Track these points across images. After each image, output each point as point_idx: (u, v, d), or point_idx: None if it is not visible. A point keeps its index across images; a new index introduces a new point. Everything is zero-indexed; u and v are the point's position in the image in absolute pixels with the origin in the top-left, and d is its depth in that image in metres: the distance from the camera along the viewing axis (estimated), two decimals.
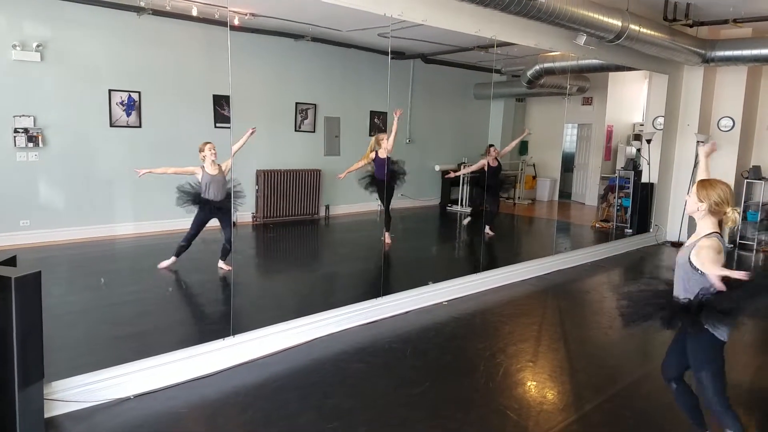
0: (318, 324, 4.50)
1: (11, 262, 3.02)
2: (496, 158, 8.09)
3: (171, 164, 5.70)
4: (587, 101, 11.53)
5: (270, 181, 8.49)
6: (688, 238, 2.93)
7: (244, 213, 8.19)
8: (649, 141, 8.76)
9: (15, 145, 6.39)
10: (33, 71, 6.43)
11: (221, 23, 6.42)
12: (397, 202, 8.63)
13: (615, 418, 3.46)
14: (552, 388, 3.87)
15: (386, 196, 7.03)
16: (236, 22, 7.04)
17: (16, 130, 6.38)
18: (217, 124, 7.79)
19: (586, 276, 7.03)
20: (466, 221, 8.97)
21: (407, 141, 10.12)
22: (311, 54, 8.73)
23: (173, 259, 5.79)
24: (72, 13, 6.61)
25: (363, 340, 4.48)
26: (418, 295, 5.36)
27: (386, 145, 6.81)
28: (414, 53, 9.39)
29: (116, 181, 7.14)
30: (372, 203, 7.50)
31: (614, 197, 9.60)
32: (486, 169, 7.94)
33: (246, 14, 7.06)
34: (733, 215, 2.72)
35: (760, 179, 8.65)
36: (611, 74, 10.61)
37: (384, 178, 6.77)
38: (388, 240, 7.20)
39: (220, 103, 7.80)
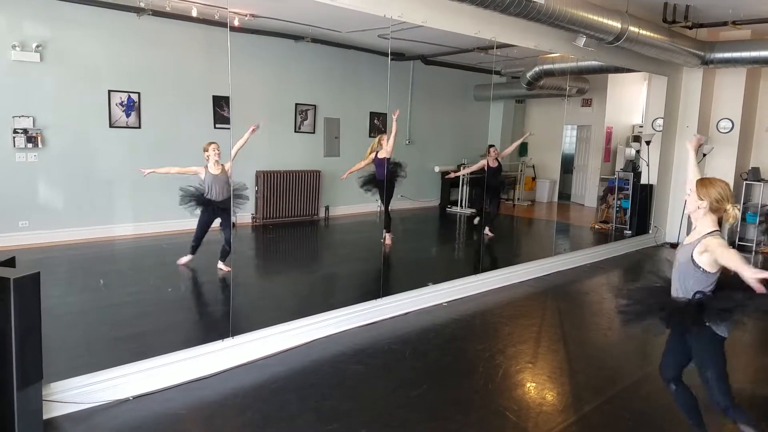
0: (317, 325, 4.50)
1: (10, 263, 3.02)
2: (496, 159, 8.09)
3: (170, 165, 5.71)
4: (587, 103, 11.55)
5: (270, 182, 8.49)
6: (685, 237, 2.94)
7: (243, 214, 8.19)
8: (648, 142, 8.76)
9: (14, 146, 6.39)
10: (32, 72, 6.42)
11: (221, 24, 6.41)
12: (397, 203, 8.64)
13: (614, 419, 3.46)
14: (551, 389, 3.86)
15: (386, 196, 7.04)
16: (236, 23, 7.04)
17: (15, 131, 6.38)
18: (217, 125, 7.78)
19: (585, 277, 7.03)
20: (476, 221, 8.83)
21: (407, 142, 10.13)
22: (311, 55, 8.73)
23: (190, 256, 5.85)
24: (71, 14, 6.61)
25: (362, 342, 4.48)
26: (417, 296, 5.36)
27: (386, 147, 6.84)
28: (414, 54, 9.40)
29: (115, 181, 7.13)
30: (372, 204, 7.51)
31: (613, 199, 9.60)
32: (486, 169, 7.95)
33: (246, 15, 7.06)
34: (734, 211, 2.75)
35: (759, 181, 8.66)
36: (610, 76, 10.63)
37: (384, 178, 6.80)
38: (388, 241, 7.21)
39: (220, 104, 7.80)
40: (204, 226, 5.72)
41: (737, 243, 8.63)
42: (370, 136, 9.75)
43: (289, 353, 4.18)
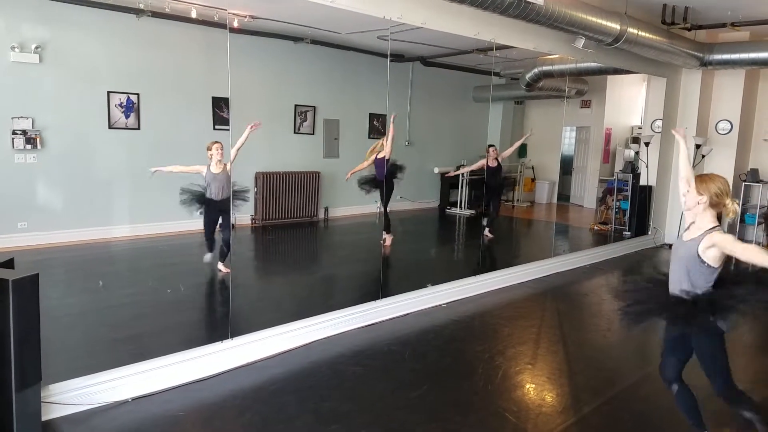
0: (316, 327, 4.49)
1: (9, 264, 3.02)
2: (495, 158, 8.09)
3: (153, 173, 5.71)
4: (586, 104, 11.55)
5: (269, 184, 8.49)
6: (683, 234, 2.94)
7: (243, 215, 8.18)
8: (647, 144, 8.77)
9: (13, 147, 6.38)
10: (32, 73, 6.42)
11: (220, 25, 6.41)
12: (397, 204, 8.63)
13: (613, 420, 3.46)
14: (551, 390, 3.86)
15: (385, 196, 7.06)
16: (235, 24, 7.03)
17: (14, 132, 6.38)
18: (216, 127, 7.78)
19: (584, 278, 7.03)
20: (486, 230, 8.35)
21: (406, 143, 10.13)
22: (310, 56, 8.73)
23: (210, 254, 5.86)
24: (71, 15, 6.61)
25: (361, 343, 4.48)
26: (416, 298, 5.35)
27: (386, 148, 6.89)
28: (413, 56, 9.40)
29: (115, 183, 7.13)
30: (371, 206, 7.51)
31: (613, 200, 9.61)
32: (485, 169, 7.96)
33: (245, 16, 7.06)
34: (733, 206, 2.79)
35: (757, 182, 8.67)
36: (609, 77, 10.63)
37: (383, 178, 6.83)
38: (388, 242, 7.22)
39: (219, 105, 7.80)
40: (209, 225, 5.74)
41: None
42: (369, 138, 9.76)
43: (288, 355, 4.17)
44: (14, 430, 2.78)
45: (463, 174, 10.21)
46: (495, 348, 4.53)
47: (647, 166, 8.83)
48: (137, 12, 6.73)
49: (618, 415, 3.51)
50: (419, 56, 9.46)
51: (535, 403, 3.66)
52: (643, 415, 3.52)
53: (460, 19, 5.34)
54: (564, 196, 12.20)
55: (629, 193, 9.19)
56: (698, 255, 2.73)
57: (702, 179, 2.83)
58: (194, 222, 7.00)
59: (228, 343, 3.95)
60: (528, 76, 9.04)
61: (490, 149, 8.14)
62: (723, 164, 8.57)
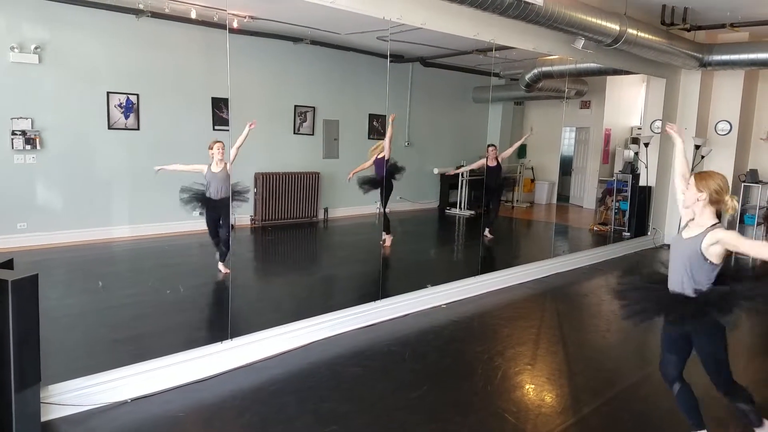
0: (315, 327, 4.49)
1: (8, 264, 3.02)
2: (495, 158, 8.09)
3: (157, 171, 5.72)
4: (585, 105, 11.55)
5: (268, 184, 8.49)
6: (682, 231, 2.94)
7: (242, 216, 8.18)
8: (646, 144, 8.78)
9: (12, 148, 6.38)
10: (31, 73, 6.42)
11: (220, 26, 6.40)
12: (396, 205, 8.63)
13: (613, 421, 3.46)
14: (550, 391, 3.86)
15: (384, 196, 7.07)
16: (235, 24, 7.03)
17: (13, 132, 6.37)
18: (216, 127, 7.77)
19: (584, 279, 7.03)
20: (487, 232, 8.36)
21: (406, 144, 10.13)
22: (310, 57, 8.73)
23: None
24: (70, 16, 6.61)
25: (361, 344, 4.48)
26: (416, 298, 5.35)
27: (385, 149, 6.92)
28: (413, 56, 9.40)
29: (114, 183, 7.13)
30: (371, 206, 7.51)
31: (612, 200, 9.61)
32: (485, 168, 7.97)
33: (245, 17, 7.06)
34: (732, 203, 2.82)
35: (757, 183, 8.68)
36: (609, 78, 10.63)
37: (382, 177, 6.86)
38: (388, 243, 7.21)
39: (219, 105, 7.80)
40: (211, 225, 5.74)
41: None
42: (369, 138, 9.76)
43: (287, 355, 4.17)
44: (13, 430, 2.78)
45: (462, 174, 10.22)
46: (494, 349, 4.53)
47: (647, 167, 8.84)
48: (137, 12, 6.72)
49: (618, 416, 3.51)
50: (419, 57, 9.46)
51: (535, 404, 3.66)
52: (642, 416, 3.52)
53: (459, 19, 5.34)
54: (563, 196, 12.19)
55: (629, 194, 9.19)
56: (701, 252, 2.74)
57: (701, 176, 2.84)
58: (194, 222, 7.01)
59: (227, 344, 3.95)
60: (527, 76, 9.04)
61: (490, 149, 8.14)
62: (722, 165, 8.56)
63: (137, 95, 7.25)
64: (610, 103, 11.18)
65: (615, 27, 6.18)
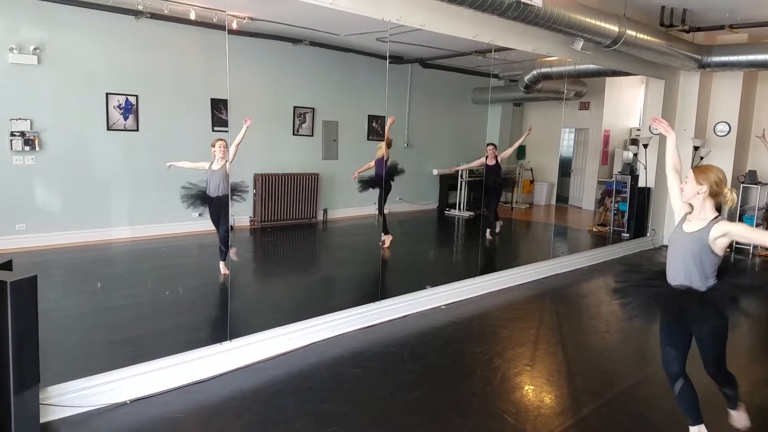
0: (315, 328, 4.49)
1: (7, 266, 3.01)
2: (495, 157, 8.10)
3: (168, 167, 5.72)
4: (584, 106, 11.56)
5: (268, 185, 8.49)
6: (683, 225, 2.94)
7: (242, 217, 8.18)
8: (645, 146, 8.78)
9: (11, 149, 6.37)
10: (30, 74, 6.41)
11: (219, 27, 6.41)
12: (395, 206, 8.64)
13: (612, 422, 3.46)
14: (549, 392, 3.86)
15: (383, 195, 7.09)
16: (234, 25, 7.03)
17: (12, 134, 6.37)
18: (215, 128, 7.78)
19: (583, 280, 7.03)
20: (488, 233, 8.44)
21: (405, 145, 10.13)
22: (309, 58, 8.74)
23: (234, 249, 5.94)
24: (69, 17, 6.60)
25: (360, 345, 4.48)
26: (415, 299, 5.35)
27: (383, 150, 6.95)
28: (412, 58, 9.40)
29: (113, 184, 7.12)
30: (370, 207, 7.51)
31: (611, 201, 9.62)
32: (484, 167, 7.98)
33: (244, 18, 7.06)
34: (732, 195, 2.85)
35: (756, 184, 8.68)
36: (608, 79, 10.64)
37: (381, 177, 6.89)
38: (387, 243, 7.21)
39: (218, 106, 7.80)
40: (215, 221, 5.75)
41: (734, 245, 8.64)
42: (368, 139, 9.76)
43: (287, 356, 4.17)
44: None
45: (461, 175, 10.23)
46: (494, 350, 4.53)
47: (646, 168, 8.84)
48: (136, 13, 6.73)
49: (617, 417, 3.51)
50: (418, 58, 9.46)
51: (534, 405, 3.66)
52: (642, 417, 3.52)
53: (458, 20, 5.34)
54: (563, 197, 12.20)
55: (628, 195, 9.20)
56: (709, 245, 2.76)
57: (701, 170, 2.88)
58: (193, 223, 7.02)
59: (227, 345, 3.94)
60: (527, 78, 9.05)
61: (489, 148, 8.15)
62: (721, 166, 8.27)
63: (136, 96, 7.25)
64: (609, 105, 11.19)
65: (614, 28, 6.19)
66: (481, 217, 8.47)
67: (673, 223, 3.06)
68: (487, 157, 8.08)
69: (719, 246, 2.76)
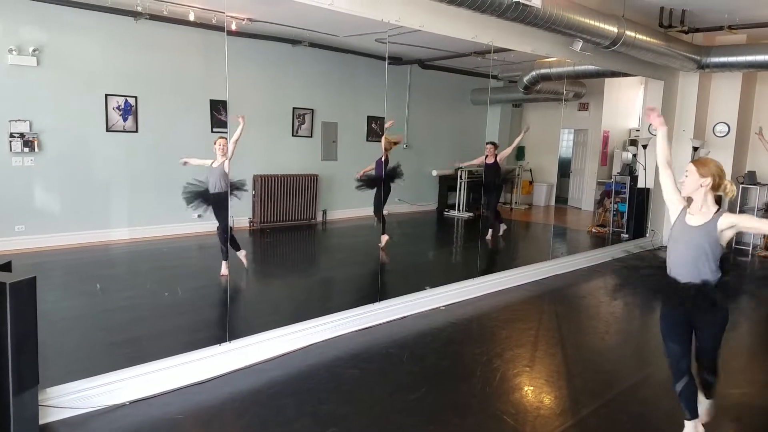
0: (314, 329, 4.49)
1: (6, 267, 3.01)
2: (495, 156, 8.10)
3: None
4: (583, 107, 11.57)
5: (267, 186, 8.49)
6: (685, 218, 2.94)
7: (241, 218, 8.18)
8: (645, 146, 8.79)
9: (11, 150, 6.37)
10: (29, 76, 6.42)
11: (218, 28, 6.40)
12: (395, 207, 8.64)
13: (612, 422, 3.46)
14: (549, 392, 3.86)
15: (382, 199, 7.09)
16: (233, 27, 7.04)
17: (11, 135, 6.36)
18: (214, 129, 7.77)
19: (582, 281, 7.04)
20: (489, 235, 8.49)
21: (404, 146, 10.12)
22: (309, 59, 8.74)
23: (244, 252, 5.99)
24: (69, 18, 6.61)
25: (359, 346, 4.48)
26: (414, 301, 5.35)
27: (382, 151, 6.96)
28: (411, 59, 9.41)
29: (112, 186, 7.12)
30: (369, 208, 7.51)
31: (610, 202, 9.62)
32: (484, 166, 8.00)
33: (243, 19, 7.07)
34: (732, 186, 2.89)
35: (755, 184, 8.69)
36: (607, 80, 10.65)
37: (381, 177, 6.90)
38: (382, 243, 7.21)
39: (217, 107, 7.80)
40: (216, 219, 5.77)
41: (734, 246, 8.65)
42: (367, 140, 9.77)
43: (286, 357, 4.17)
44: None
45: (460, 176, 10.24)
46: (493, 351, 4.53)
47: (645, 169, 8.84)
48: (135, 15, 6.73)
49: (616, 418, 3.51)
50: (417, 59, 9.47)
51: (533, 406, 3.66)
52: (641, 417, 3.52)
53: (457, 21, 5.35)
54: (562, 198, 12.21)
55: (627, 196, 9.20)
56: (718, 237, 2.79)
57: (702, 163, 2.89)
58: (193, 225, 7.03)
59: (226, 346, 3.94)
60: (526, 79, 9.05)
61: (488, 146, 8.15)
62: None
63: (135, 98, 7.25)
64: (608, 105, 11.20)
65: (613, 29, 6.20)
66: (480, 218, 8.47)
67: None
68: (486, 156, 8.09)
69: (725, 238, 2.80)
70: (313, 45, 8.49)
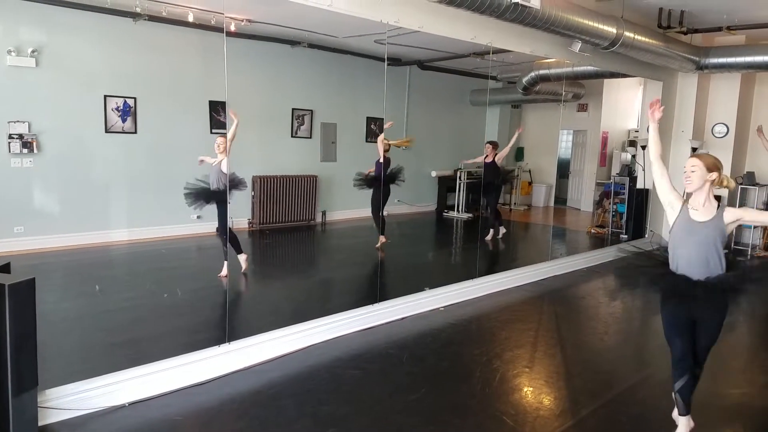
0: (314, 330, 4.49)
1: (5, 269, 3.01)
2: (494, 156, 8.10)
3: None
4: (582, 108, 11.58)
5: (266, 187, 8.49)
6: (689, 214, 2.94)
7: (240, 219, 8.18)
8: (644, 147, 8.78)
9: (9, 151, 6.37)
10: (28, 77, 6.41)
11: (217, 29, 6.42)
12: (394, 208, 8.64)
13: (611, 423, 3.46)
14: (548, 393, 3.86)
15: (382, 200, 7.09)
16: (232, 28, 7.05)
17: (10, 136, 6.36)
18: (213, 130, 7.77)
19: (581, 281, 7.04)
20: (489, 236, 8.53)
21: (403, 147, 10.13)
22: (308, 60, 8.75)
23: (245, 255, 5.95)
24: (67, 19, 6.61)
25: (359, 347, 4.47)
26: (414, 301, 5.35)
27: (380, 153, 6.96)
28: (410, 60, 9.42)
29: (111, 187, 7.12)
30: (368, 209, 7.52)
31: (609, 203, 9.62)
32: (483, 165, 8.00)
33: (242, 20, 7.07)
34: (731, 180, 2.94)
35: (754, 185, 8.70)
36: (606, 81, 10.66)
37: (380, 178, 6.90)
38: (379, 243, 7.22)
39: (216, 109, 7.80)
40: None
41: (733, 246, 8.66)
42: (366, 141, 9.77)
43: (285, 358, 4.17)
44: None
45: (460, 177, 10.25)
46: (492, 351, 4.53)
47: (644, 170, 8.85)
48: (134, 16, 6.74)
49: (616, 418, 3.51)
50: (416, 60, 9.48)
51: (533, 406, 3.66)
52: (641, 418, 3.52)
53: (456, 22, 5.35)
54: (561, 199, 12.22)
55: (626, 197, 9.21)
56: (724, 230, 2.83)
57: (706, 158, 2.91)
58: (192, 226, 7.03)
59: (226, 347, 3.94)
60: (525, 79, 9.06)
61: (488, 146, 8.15)
62: None
63: (134, 99, 7.25)
64: (607, 106, 11.21)
65: (612, 30, 6.21)
66: (479, 219, 8.47)
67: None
68: (486, 155, 8.11)
69: (729, 231, 2.85)
70: (312, 46, 8.49)
